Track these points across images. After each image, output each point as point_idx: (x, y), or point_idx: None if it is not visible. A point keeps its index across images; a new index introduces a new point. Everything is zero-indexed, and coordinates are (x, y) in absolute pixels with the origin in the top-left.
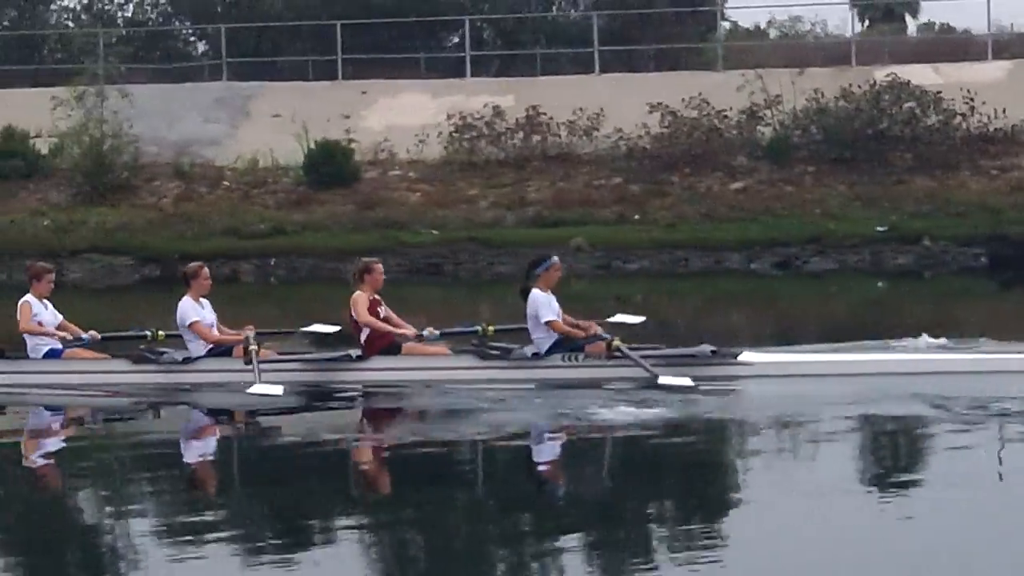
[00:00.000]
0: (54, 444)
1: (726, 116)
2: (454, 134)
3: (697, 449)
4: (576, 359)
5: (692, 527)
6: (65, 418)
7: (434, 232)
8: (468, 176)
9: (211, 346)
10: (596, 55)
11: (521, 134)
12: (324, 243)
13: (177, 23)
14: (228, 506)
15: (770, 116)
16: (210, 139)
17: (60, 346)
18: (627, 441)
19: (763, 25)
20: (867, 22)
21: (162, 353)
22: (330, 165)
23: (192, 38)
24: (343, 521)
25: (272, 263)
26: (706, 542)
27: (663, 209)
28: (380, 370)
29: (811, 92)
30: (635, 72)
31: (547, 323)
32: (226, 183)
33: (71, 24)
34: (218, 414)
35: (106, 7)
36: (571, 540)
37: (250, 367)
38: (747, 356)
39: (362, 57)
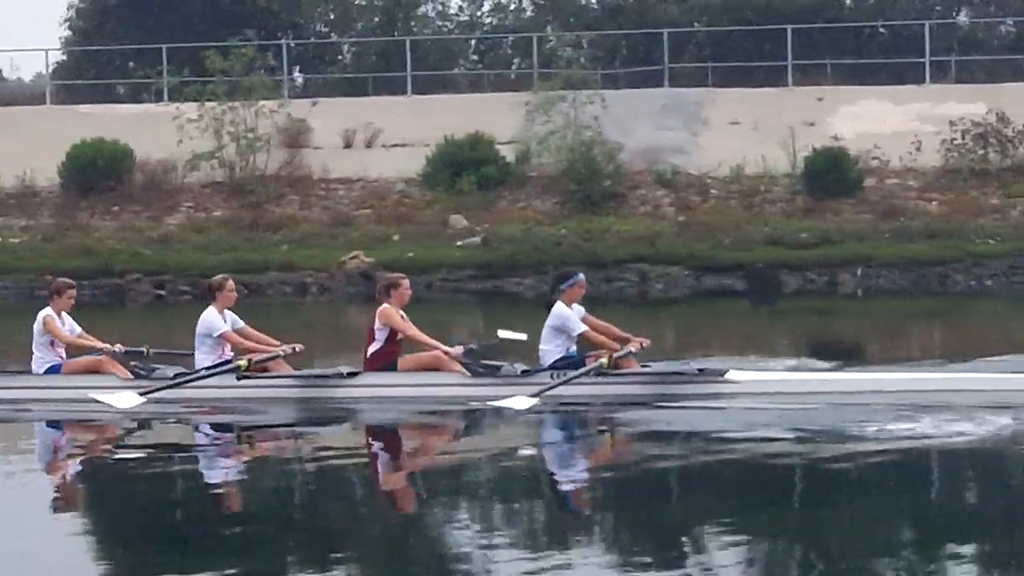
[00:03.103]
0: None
1: None
2: (955, 141)
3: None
4: (564, 375)
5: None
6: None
7: (990, 241)
8: (978, 185)
9: (224, 358)
10: None
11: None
12: (881, 252)
13: (549, 28)
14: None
15: None
16: (674, 146)
17: (61, 361)
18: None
19: None
20: None
21: (153, 369)
22: (835, 173)
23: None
24: None
25: (859, 272)
26: None
27: None
28: (370, 387)
29: None
30: None
31: (580, 334)
32: (714, 191)
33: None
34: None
35: (476, 14)
36: None
37: (242, 384)
38: (734, 375)
39: (812, 63)
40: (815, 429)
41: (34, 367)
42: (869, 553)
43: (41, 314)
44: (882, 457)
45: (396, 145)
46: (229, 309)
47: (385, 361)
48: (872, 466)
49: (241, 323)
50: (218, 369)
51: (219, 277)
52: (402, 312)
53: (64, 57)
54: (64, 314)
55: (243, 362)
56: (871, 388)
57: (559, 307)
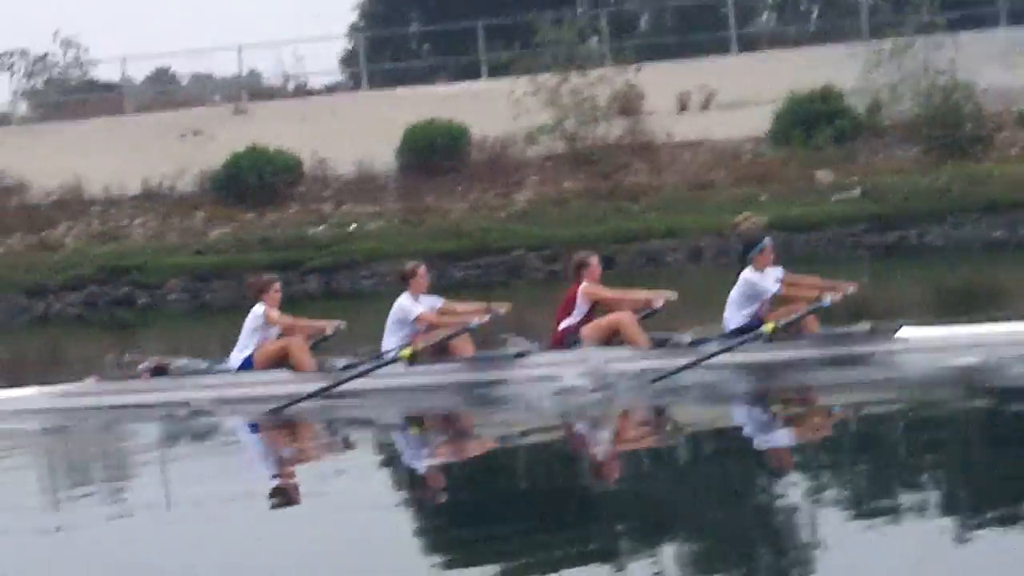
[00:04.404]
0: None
1: None
2: None
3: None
4: (724, 344)
5: None
6: None
7: None
8: None
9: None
10: None
11: None
12: None
13: None
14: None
15: None
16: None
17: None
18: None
19: None
20: None
21: (323, 361)
22: None
23: None
24: None
25: None
26: None
27: None
28: (540, 366)
29: None
30: None
31: (772, 296)
32: None
33: None
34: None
35: None
36: None
37: (411, 371)
38: (906, 332)
39: None
40: (990, 383)
41: (231, 360)
42: None
43: (256, 311)
44: None
45: (734, 105)
46: (424, 293)
47: (574, 335)
48: None
49: (441, 302)
50: (382, 360)
51: (411, 264)
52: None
53: (351, 45)
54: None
55: (406, 352)
56: None
57: (747, 273)
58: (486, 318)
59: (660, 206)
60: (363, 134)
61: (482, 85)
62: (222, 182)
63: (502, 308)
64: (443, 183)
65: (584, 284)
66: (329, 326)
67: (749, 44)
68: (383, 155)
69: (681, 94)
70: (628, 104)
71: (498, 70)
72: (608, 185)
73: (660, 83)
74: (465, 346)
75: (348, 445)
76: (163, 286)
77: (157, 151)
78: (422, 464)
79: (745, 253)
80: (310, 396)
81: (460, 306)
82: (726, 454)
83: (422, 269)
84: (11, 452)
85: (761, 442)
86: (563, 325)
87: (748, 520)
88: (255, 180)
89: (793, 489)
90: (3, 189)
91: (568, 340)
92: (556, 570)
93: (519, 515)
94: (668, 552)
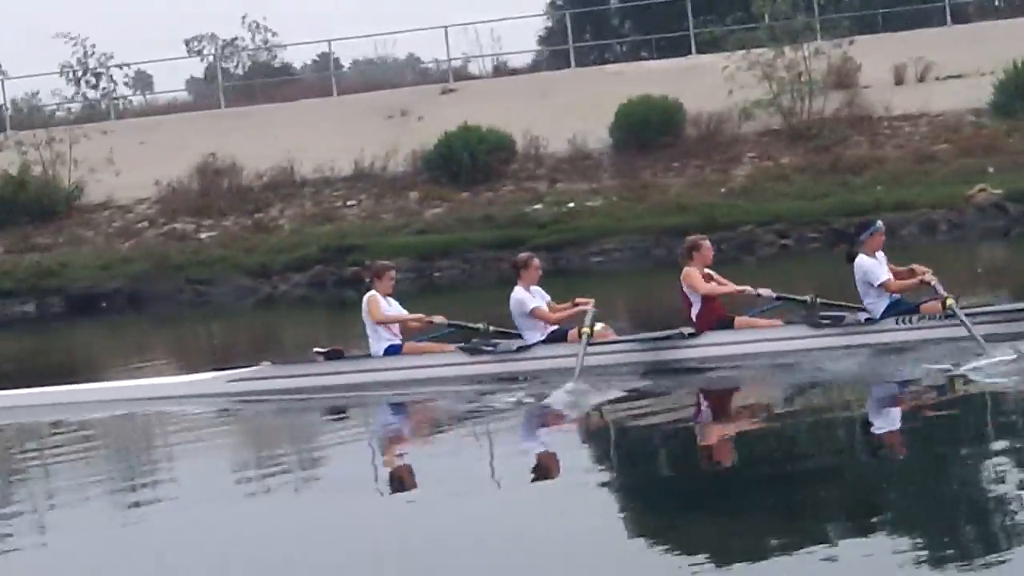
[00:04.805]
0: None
1: None
2: None
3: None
4: (910, 321)
5: None
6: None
7: None
8: None
9: (548, 331)
10: None
11: None
12: None
13: None
14: None
15: None
16: None
17: (399, 342)
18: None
19: None
20: None
21: (496, 344)
22: None
23: None
24: None
25: None
26: None
27: None
28: (713, 345)
29: None
30: None
31: (881, 284)
32: None
33: None
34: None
35: None
36: None
37: (586, 352)
38: None
39: None
40: None
41: (372, 350)
42: None
43: (365, 296)
44: None
45: (951, 76)
46: (536, 285)
47: (713, 319)
48: None
49: (547, 297)
50: (586, 342)
51: (524, 255)
52: (708, 270)
53: (550, 23)
54: (389, 298)
55: (587, 330)
56: None
57: (861, 259)
58: (589, 319)
59: (885, 179)
60: (574, 112)
61: (692, 61)
62: (435, 161)
63: (589, 304)
64: (658, 159)
65: (685, 269)
66: (425, 317)
67: (959, 15)
68: (595, 132)
69: (897, 66)
70: (844, 77)
71: (707, 45)
72: (828, 159)
73: (873, 56)
74: (606, 332)
75: (540, 424)
76: None
77: (365, 132)
78: (609, 444)
79: (857, 235)
80: (581, 372)
81: (557, 307)
82: (933, 429)
83: (536, 261)
84: (189, 437)
85: (961, 420)
86: (693, 314)
87: (958, 500)
88: (468, 159)
89: (997, 465)
90: (215, 172)
91: (717, 324)
92: (762, 552)
93: (747, 493)
94: (878, 531)
